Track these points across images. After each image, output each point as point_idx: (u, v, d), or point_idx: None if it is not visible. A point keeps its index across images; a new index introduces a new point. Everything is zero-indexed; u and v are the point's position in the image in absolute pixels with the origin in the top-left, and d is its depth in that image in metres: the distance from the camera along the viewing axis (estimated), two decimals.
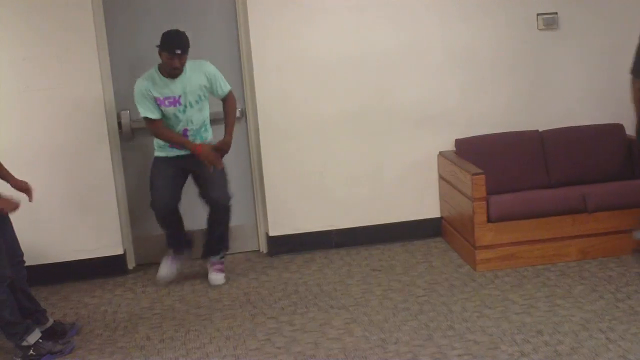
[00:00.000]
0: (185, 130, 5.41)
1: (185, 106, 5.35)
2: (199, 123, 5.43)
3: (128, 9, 5.84)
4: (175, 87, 5.32)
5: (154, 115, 5.33)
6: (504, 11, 6.06)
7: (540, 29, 6.11)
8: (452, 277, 5.42)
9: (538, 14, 6.08)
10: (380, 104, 6.05)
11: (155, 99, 5.32)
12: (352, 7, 5.92)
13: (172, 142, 5.42)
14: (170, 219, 5.60)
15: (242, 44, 5.94)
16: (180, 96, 5.33)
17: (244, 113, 6.05)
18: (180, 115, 5.36)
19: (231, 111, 5.54)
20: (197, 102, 5.38)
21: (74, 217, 5.81)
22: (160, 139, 5.43)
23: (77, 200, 5.81)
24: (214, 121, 5.63)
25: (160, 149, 5.50)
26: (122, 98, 5.78)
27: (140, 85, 5.33)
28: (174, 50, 5.20)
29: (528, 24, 6.09)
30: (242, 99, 6.02)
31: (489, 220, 5.44)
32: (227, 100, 5.51)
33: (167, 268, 5.68)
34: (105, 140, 5.77)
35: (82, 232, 5.84)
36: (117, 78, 5.81)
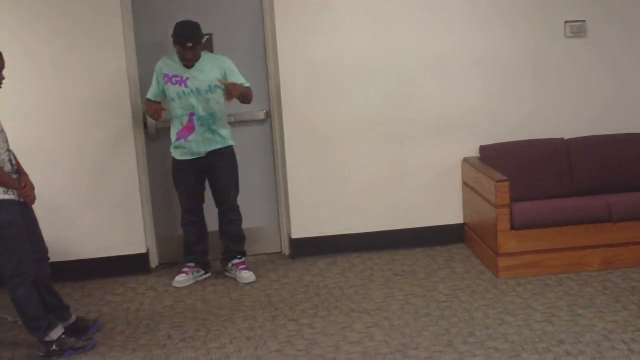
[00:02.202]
0: (192, 114, 5.44)
1: (191, 91, 5.39)
2: (207, 112, 5.44)
3: (156, 11, 5.87)
4: (186, 70, 5.40)
5: (157, 99, 5.52)
6: (531, 18, 6.04)
7: (567, 37, 6.08)
8: (474, 284, 5.41)
9: (566, 22, 6.05)
10: (405, 110, 6.04)
11: (164, 75, 5.42)
12: (379, 13, 5.91)
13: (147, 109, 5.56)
14: (195, 221, 5.66)
15: (269, 48, 5.95)
16: (187, 78, 5.39)
17: (269, 115, 6.07)
18: (185, 98, 5.41)
19: (249, 99, 5.54)
20: (206, 91, 5.40)
21: (98, 215, 5.86)
22: (147, 108, 5.55)
23: (101, 199, 5.85)
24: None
25: (176, 149, 5.55)
26: None
27: (158, 63, 5.49)
28: (185, 42, 5.29)
29: (555, 31, 6.06)
30: (267, 101, 6.04)
31: (512, 228, 5.42)
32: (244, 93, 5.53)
33: (183, 277, 5.71)
34: (130, 139, 5.81)
35: (106, 230, 5.88)
36: (144, 79, 5.84)
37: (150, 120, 5.89)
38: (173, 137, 5.53)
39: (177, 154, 5.56)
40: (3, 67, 4.46)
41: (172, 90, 5.42)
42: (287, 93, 5.93)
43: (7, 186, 4.46)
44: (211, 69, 5.43)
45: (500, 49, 6.05)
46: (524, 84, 6.11)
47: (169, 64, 5.45)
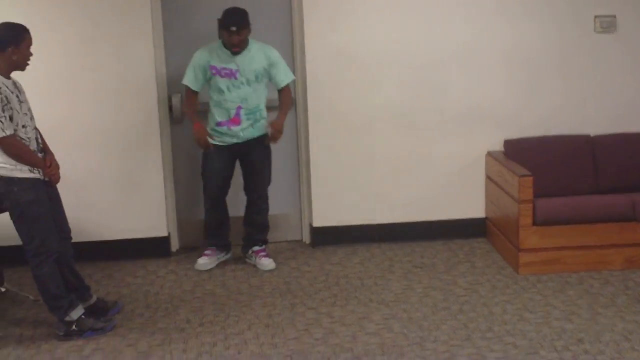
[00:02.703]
0: (239, 107, 5.42)
1: (242, 82, 5.37)
2: (253, 104, 5.44)
3: None
4: (235, 61, 5.37)
5: (194, 86, 5.44)
6: (560, 12, 5.98)
7: (597, 32, 6.02)
8: (494, 279, 5.39)
9: (595, 16, 5.99)
10: (430, 101, 6.02)
11: (211, 67, 5.37)
12: (407, 4, 5.89)
13: (187, 114, 5.57)
14: (219, 205, 5.67)
15: (296, 36, 5.95)
16: (237, 70, 5.36)
17: (294, 103, 6.06)
18: (235, 91, 5.39)
19: (286, 100, 5.57)
20: (254, 80, 5.39)
21: (121, 197, 5.89)
22: (184, 109, 5.58)
23: (125, 181, 5.88)
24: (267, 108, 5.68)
25: (214, 132, 5.52)
26: (174, 81, 5.82)
27: (199, 54, 5.44)
28: (228, 26, 5.27)
29: (585, 26, 6.01)
30: (293, 89, 6.03)
31: (534, 224, 5.39)
32: (284, 91, 5.54)
33: (206, 260, 5.74)
34: (155, 122, 5.83)
35: (128, 212, 5.91)
36: (170, 61, 5.86)
37: (175, 103, 5.89)
38: (214, 127, 5.50)
39: (217, 139, 5.53)
40: (30, 44, 4.48)
41: (222, 82, 5.39)
42: (313, 81, 5.92)
43: (33, 165, 4.49)
44: (259, 57, 5.41)
45: (527, 43, 6.01)
46: (551, 79, 6.07)
47: (215, 55, 5.39)
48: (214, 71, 5.39)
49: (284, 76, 5.49)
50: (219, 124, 5.47)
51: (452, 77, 6.01)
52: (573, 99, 6.10)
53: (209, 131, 5.51)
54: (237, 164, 5.68)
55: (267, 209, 5.76)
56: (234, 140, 5.50)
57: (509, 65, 6.03)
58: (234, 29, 5.27)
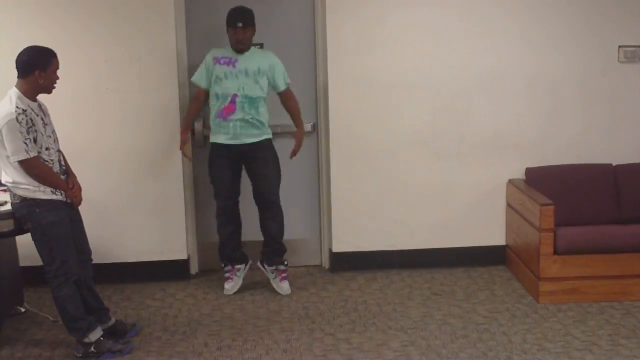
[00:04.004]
0: (235, 95, 5.45)
1: (239, 71, 5.45)
2: (250, 95, 5.46)
3: (209, 16, 5.92)
4: (236, 55, 5.49)
5: (202, 83, 5.55)
6: (585, 41, 5.98)
7: (620, 61, 6.00)
8: (514, 307, 5.35)
9: (620, 46, 5.98)
10: (452, 128, 6.01)
11: (214, 58, 5.50)
12: (431, 30, 5.90)
13: (185, 117, 5.65)
14: (230, 212, 5.68)
15: (319, 60, 5.97)
16: (236, 60, 5.46)
17: (315, 127, 6.08)
18: (232, 78, 5.45)
19: (294, 105, 5.63)
20: (254, 73, 5.47)
21: (142, 220, 5.91)
22: (189, 108, 5.68)
23: (146, 204, 5.90)
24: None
25: (214, 134, 5.57)
26: None
27: (209, 55, 5.55)
28: (235, 23, 5.41)
29: (608, 56, 5.99)
30: (314, 113, 6.06)
31: (555, 252, 5.36)
32: (287, 95, 5.59)
33: (231, 284, 5.75)
34: (177, 145, 5.85)
35: (148, 234, 5.93)
36: (193, 85, 5.88)
37: (198, 128, 5.93)
38: (212, 121, 5.57)
39: (215, 137, 5.56)
40: (57, 68, 4.53)
41: (220, 70, 5.48)
42: (335, 106, 5.93)
43: (56, 187, 4.53)
44: (261, 59, 5.52)
45: (551, 71, 6.00)
46: (574, 107, 6.05)
47: (220, 50, 5.56)
48: (215, 61, 5.50)
49: (285, 77, 5.57)
50: (215, 115, 5.52)
51: (474, 104, 6.00)
52: (596, 127, 6.07)
53: (212, 132, 5.59)
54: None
55: (281, 216, 5.72)
56: (231, 141, 5.50)
57: (532, 93, 6.02)
58: (240, 25, 5.40)
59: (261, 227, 5.77)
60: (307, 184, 6.15)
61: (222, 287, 5.76)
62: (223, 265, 5.80)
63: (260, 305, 5.50)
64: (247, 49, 5.51)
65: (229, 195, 5.67)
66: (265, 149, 5.59)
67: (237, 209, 5.74)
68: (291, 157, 5.70)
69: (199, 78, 5.57)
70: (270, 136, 5.62)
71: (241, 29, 5.41)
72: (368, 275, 6.02)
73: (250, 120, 5.48)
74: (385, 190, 6.06)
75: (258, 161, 5.59)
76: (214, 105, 5.53)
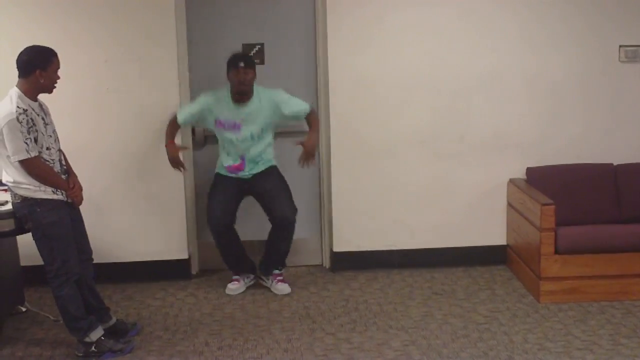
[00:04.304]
0: (243, 157, 5.46)
1: (245, 137, 5.39)
2: (256, 153, 5.47)
3: (210, 18, 5.92)
4: (239, 113, 5.38)
5: (182, 120, 5.49)
6: (585, 41, 5.97)
7: (621, 61, 6.00)
8: (515, 307, 5.35)
9: (620, 46, 5.98)
10: (453, 128, 6.01)
11: (217, 122, 5.40)
12: (431, 30, 5.90)
13: (166, 134, 5.52)
14: (226, 237, 5.63)
15: (319, 60, 5.97)
16: (240, 125, 5.37)
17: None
18: (238, 144, 5.42)
19: (314, 120, 5.55)
20: (259, 135, 5.42)
21: (142, 219, 5.91)
22: (168, 129, 5.52)
23: (147, 203, 5.91)
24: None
25: (221, 168, 5.58)
26: None
27: (204, 98, 5.47)
28: (237, 63, 5.29)
29: (609, 56, 5.99)
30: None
31: (556, 252, 5.36)
32: (309, 116, 5.53)
33: (236, 285, 5.76)
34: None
35: (149, 234, 5.93)
36: (194, 85, 5.90)
37: (198, 128, 5.93)
38: (221, 161, 5.56)
39: (223, 171, 5.58)
40: (58, 68, 4.53)
41: (226, 135, 5.42)
42: (336, 107, 5.94)
43: (56, 186, 4.53)
44: (265, 106, 5.39)
45: (551, 71, 6.00)
46: (574, 107, 6.05)
47: (220, 105, 5.41)
48: (217, 124, 5.42)
49: (302, 107, 5.48)
50: (227, 167, 5.53)
51: (475, 103, 6.00)
52: (596, 127, 6.08)
53: (218, 167, 5.58)
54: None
55: (292, 237, 5.70)
56: (242, 176, 5.53)
57: (533, 93, 6.02)
58: (242, 65, 5.27)
59: (269, 242, 5.73)
60: (307, 184, 6.15)
61: (223, 287, 5.78)
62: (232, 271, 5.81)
63: (261, 304, 5.50)
64: (249, 95, 5.38)
65: (223, 226, 5.55)
66: (269, 173, 5.57)
67: (230, 233, 5.62)
68: (301, 165, 5.53)
69: (183, 112, 5.51)
70: (274, 164, 5.60)
71: (243, 69, 5.28)
72: (369, 275, 6.02)
73: (258, 163, 5.51)
74: (386, 190, 6.06)
75: (266, 185, 5.55)
76: (224, 159, 5.52)
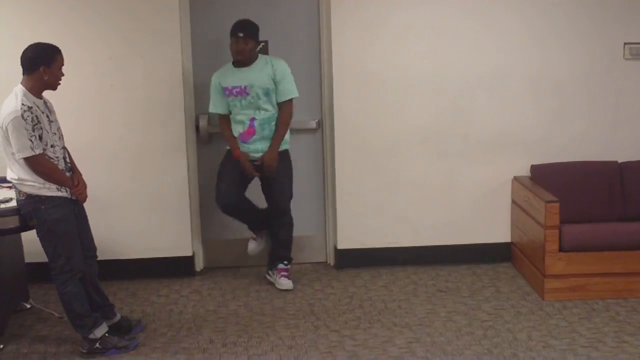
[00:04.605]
0: (253, 119, 5.47)
1: (253, 97, 5.42)
2: (267, 114, 5.47)
3: (214, 13, 5.92)
4: (243, 77, 5.43)
5: (220, 110, 5.53)
6: (590, 39, 5.96)
7: (626, 59, 5.99)
8: (519, 304, 5.35)
9: (625, 44, 5.97)
10: (457, 125, 6.01)
11: (224, 89, 5.45)
12: (435, 28, 5.89)
13: (227, 141, 5.57)
14: (234, 212, 5.68)
15: (324, 58, 5.97)
16: (246, 86, 5.42)
17: (320, 124, 6.08)
18: (248, 105, 5.45)
19: (283, 117, 5.51)
20: (265, 94, 5.44)
21: (147, 216, 5.92)
22: (223, 134, 5.59)
23: (151, 200, 5.91)
24: (291, 130, 5.68)
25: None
26: (202, 102, 5.86)
27: (214, 78, 5.53)
28: (236, 33, 5.38)
29: (614, 53, 5.98)
30: (319, 111, 6.06)
31: (560, 250, 5.35)
32: (282, 110, 5.51)
33: (253, 245, 5.84)
34: (182, 142, 5.86)
35: (153, 231, 5.93)
36: (199, 82, 5.89)
37: (203, 124, 5.93)
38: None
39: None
40: (62, 65, 4.53)
41: (236, 100, 5.45)
42: (340, 103, 5.93)
43: (61, 183, 4.53)
44: (266, 72, 5.44)
45: (555, 69, 5.99)
46: (579, 105, 6.04)
47: (224, 75, 5.49)
48: (227, 92, 5.46)
49: (290, 89, 5.50)
50: (239, 137, 5.53)
51: (479, 101, 6.00)
52: (601, 125, 6.06)
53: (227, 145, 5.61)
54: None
55: (290, 224, 5.74)
56: (250, 156, 5.52)
57: (537, 90, 6.01)
58: (241, 35, 5.36)
59: (269, 230, 5.79)
60: (312, 181, 6.15)
61: (228, 284, 5.80)
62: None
63: (265, 301, 5.50)
64: (248, 61, 5.44)
65: (230, 204, 5.58)
66: (280, 159, 5.56)
67: (243, 202, 5.65)
68: (266, 174, 5.54)
69: (217, 107, 5.54)
70: (287, 147, 5.61)
71: (242, 40, 5.35)
72: (373, 272, 6.01)
73: (267, 135, 5.50)
74: (390, 187, 6.06)
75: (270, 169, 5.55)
76: (235, 128, 5.53)
